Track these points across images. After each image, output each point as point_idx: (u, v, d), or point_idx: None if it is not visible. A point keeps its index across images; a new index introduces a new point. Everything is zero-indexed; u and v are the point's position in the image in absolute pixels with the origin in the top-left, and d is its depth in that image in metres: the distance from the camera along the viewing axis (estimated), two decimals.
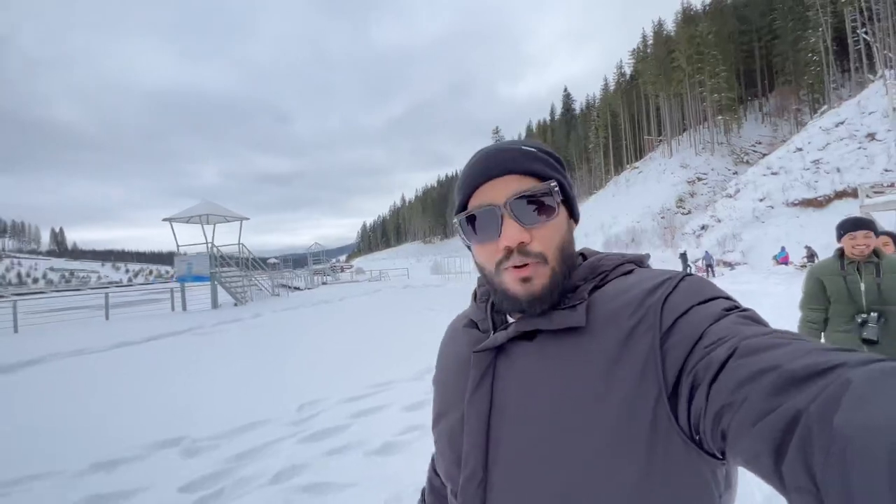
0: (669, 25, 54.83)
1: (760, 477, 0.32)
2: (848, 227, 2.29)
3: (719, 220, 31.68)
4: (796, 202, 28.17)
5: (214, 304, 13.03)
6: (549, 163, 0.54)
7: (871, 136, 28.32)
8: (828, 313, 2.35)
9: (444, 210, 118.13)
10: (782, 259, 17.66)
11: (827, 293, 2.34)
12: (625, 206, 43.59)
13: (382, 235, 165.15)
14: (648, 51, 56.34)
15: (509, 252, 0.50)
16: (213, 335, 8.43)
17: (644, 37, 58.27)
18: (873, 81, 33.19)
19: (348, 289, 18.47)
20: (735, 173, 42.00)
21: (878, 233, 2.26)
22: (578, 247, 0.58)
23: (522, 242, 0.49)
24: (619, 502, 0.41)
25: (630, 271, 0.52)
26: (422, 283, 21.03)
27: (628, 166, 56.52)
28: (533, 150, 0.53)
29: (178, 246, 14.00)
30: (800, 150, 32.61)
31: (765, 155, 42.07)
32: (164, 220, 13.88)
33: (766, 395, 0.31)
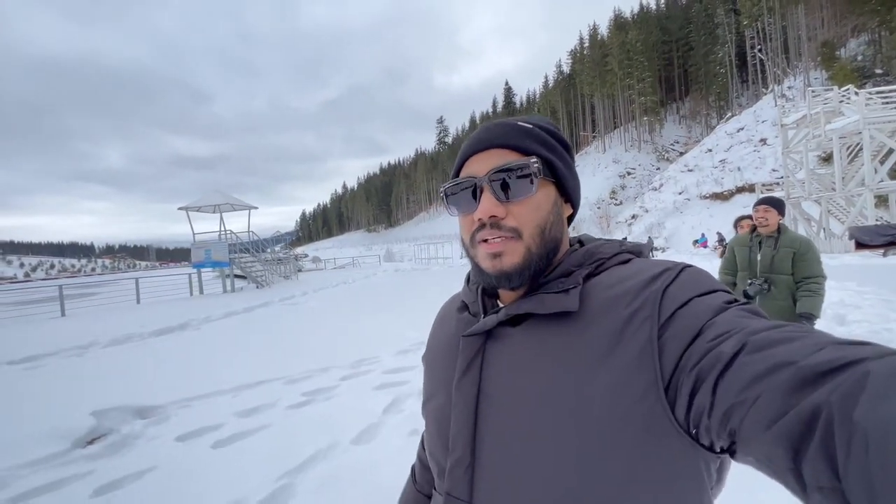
0: (603, 30, 59.63)
1: (774, 478, 0.31)
2: (756, 203, 2.72)
3: (647, 211, 36.02)
4: (707, 195, 33.06)
5: (233, 288, 13.88)
6: (544, 140, 0.53)
7: (764, 141, 34.10)
8: (736, 277, 2.80)
9: (388, 198, 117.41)
10: (702, 244, 21.15)
11: (737, 261, 2.80)
12: None
13: (324, 224, 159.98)
14: (585, 52, 60.77)
15: (483, 224, 0.50)
16: (297, 306, 9.73)
17: (581, 39, 62.72)
18: (766, 94, 39.78)
19: (338, 275, 19.14)
20: (658, 169, 47.58)
21: (781, 212, 2.64)
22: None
23: (494, 216, 0.49)
24: (606, 493, 0.40)
25: (628, 260, 0.51)
26: (410, 268, 22.22)
27: None
28: (529, 126, 0.53)
29: (193, 234, 14.44)
30: (710, 150, 38.11)
31: (682, 153, 48.27)
32: (180, 208, 14.34)
33: (782, 393, 0.30)
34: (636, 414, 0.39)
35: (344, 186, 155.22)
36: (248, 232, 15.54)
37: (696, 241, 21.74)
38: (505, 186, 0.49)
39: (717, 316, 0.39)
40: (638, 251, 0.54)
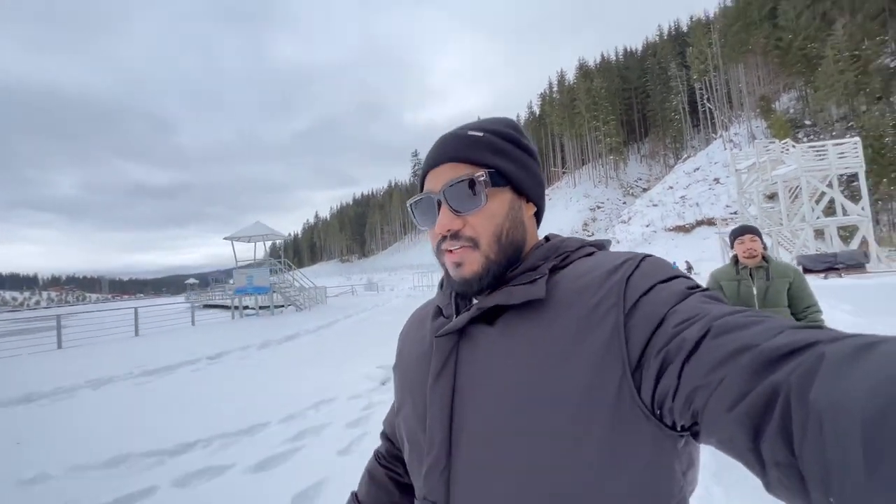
0: (570, 76, 65.10)
1: (733, 457, 0.32)
2: (738, 232, 2.50)
3: (618, 241, 38.63)
4: (671, 228, 36.24)
5: (272, 312, 14.87)
6: (495, 147, 0.53)
7: (717, 180, 38.08)
8: None
9: (361, 229, 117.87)
10: None
11: (725, 296, 2.47)
12: (540, 229, 50.10)
13: (295, 254, 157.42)
14: (554, 96, 65.82)
15: (443, 238, 0.52)
16: (366, 322, 10.28)
17: (550, 84, 68.06)
18: (716, 139, 44.71)
19: (362, 300, 20.25)
20: (624, 203, 51.44)
21: (762, 240, 2.48)
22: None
23: (450, 230, 0.51)
24: (582, 479, 0.41)
25: (591, 253, 0.53)
26: (422, 294, 23.40)
27: None
28: (479, 134, 0.53)
29: (236, 261, 15.70)
30: (671, 188, 41.95)
31: (645, 189, 52.62)
32: (225, 238, 15.67)
33: (744, 376, 0.31)
34: (607, 399, 0.40)
35: (316, 216, 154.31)
36: (283, 260, 16.59)
37: None
38: (459, 199, 0.51)
39: (680, 302, 0.41)
40: (600, 245, 0.56)
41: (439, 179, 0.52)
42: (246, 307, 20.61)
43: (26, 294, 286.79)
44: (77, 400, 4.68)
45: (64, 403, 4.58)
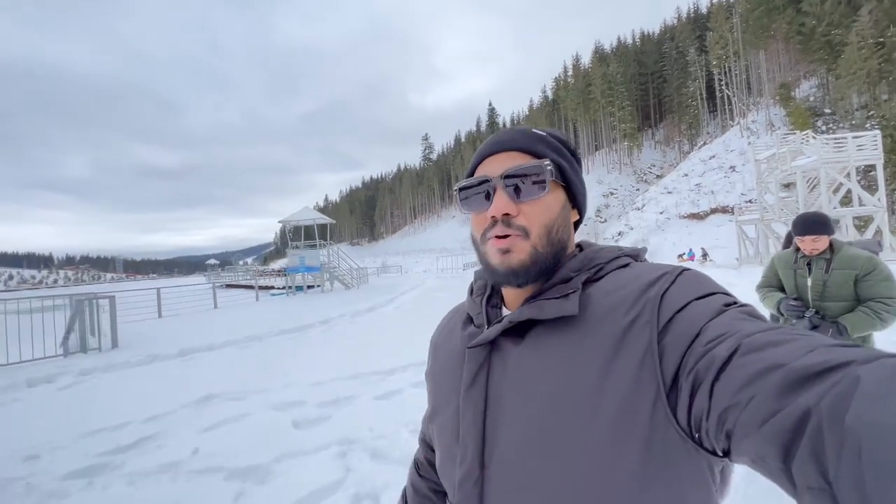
0: (585, 60, 64.56)
1: (767, 476, 0.32)
2: (797, 229, 2.20)
3: (632, 228, 39.45)
4: (685, 215, 36.85)
5: (332, 288, 16.77)
6: (555, 146, 0.55)
7: (733, 168, 38.39)
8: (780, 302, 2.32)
9: (371, 212, 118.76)
10: (690, 258, 24.32)
11: (783, 284, 2.37)
12: None
13: (306, 237, 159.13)
14: (569, 81, 65.45)
15: (495, 222, 0.51)
16: (420, 299, 11.39)
17: (565, 68, 67.50)
18: (733, 126, 44.73)
19: (402, 279, 22.16)
20: (638, 190, 51.83)
21: (830, 230, 2.15)
22: None
23: (507, 214, 0.50)
24: (617, 497, 0.40)
25: (626, 265, 0.52)
26: (450, 274, 25.31)
27: None
28: (542, 133, 0.55)
29: (290, 242, 17.28)
30: (686, 175, 42.30)
31: (658, 176, 52.86)
32: (280, 221, 17.19)
33: (773, 395, 0.30)
34: (641, 419, 0.40)
35: (326, 199, 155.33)
36: (328, 241, 18.01)
37: (681, 255, 24.88)
38: (518, 186, 0.51)
39: (714, 319, 0.40)
40: (635, 255, 0.56)
41: (498, 166, 0.53)
42: (272, 287, 22.20)
43: (44, 273, 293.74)
44: (268, 343, 6.39)
45: (262, 344, 6.38)
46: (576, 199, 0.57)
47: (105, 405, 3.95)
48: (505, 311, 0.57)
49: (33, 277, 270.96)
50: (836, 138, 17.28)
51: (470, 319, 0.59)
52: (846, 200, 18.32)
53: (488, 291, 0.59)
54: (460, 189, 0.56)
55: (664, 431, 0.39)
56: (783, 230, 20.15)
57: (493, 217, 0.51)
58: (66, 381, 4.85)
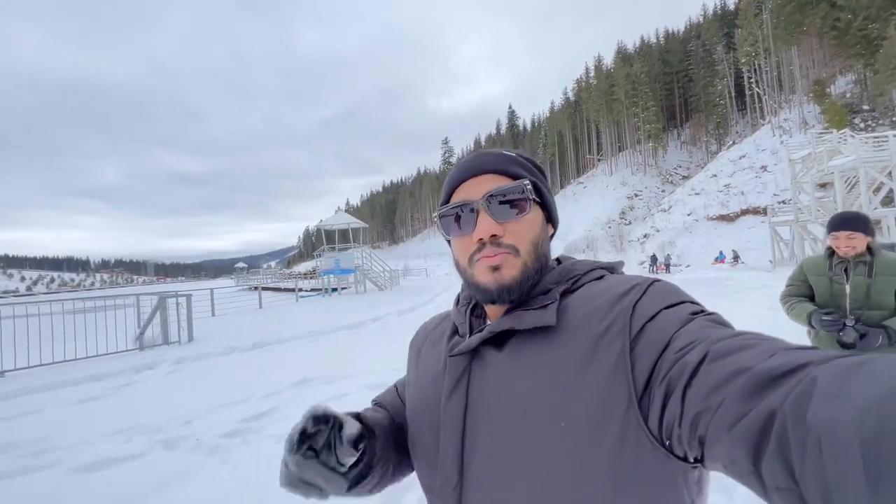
0: (608, 61, 64.05)
1: (738, 480, 0.32)
2: (834, 225, 2.04)
3: (658, 230, 38.92)
4: (714, 217, 36.13)
5: (365, 290, 17.53)
6: (527, 167, 0.57)
7: (764, 168, 37.44)
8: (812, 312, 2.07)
9: (392, 216, 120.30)
10: (721, 260, 24.09)
11: (813, 290, 2.18)
12: (576, 217, 50.36)
13: (327, 241, 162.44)
14: (591, 82, 65.02)
15: (482, 244, 0.52)
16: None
17: (587, 69, 67.11)
18: (764, 125, 43.57)
19: (424, 283, 22.72)
20: (663, 191, 50.92)
21: (869, 231, 1.98)
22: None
23: (494, 235, 0.51)
24: (591, 500, 0.41)
25: (601, 277, 0.54)
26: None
27: (573, 181, 64.74)
28: (512, 154, 0.58)
29: (326, 245, 18.51)
30: (714, 175, 41.44)
31: (685, 177, 51.78)
32: (317, 226, 18.51)
33: (740, 398, 0.31)
34: (613, 424, 0.41)
35: (347, 203, 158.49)
36: (360, 244, 19.16)
37: (716, 259, 24.66)
38: (501, 207, 0.52)
39: (684, 327, 0.41)
40: (611, 268, 0.57)
41: (477, 189, 0.55)
42: (300, 289, 23.11)
43: (82, 276, 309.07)
44: (332, 337, 7.07)
45: (327, 338, 7.05)
46: (550, 215, 0.60)
47: (215, 386, 4.57)
48: (488, 322, 0.58)
49: (72, 280, 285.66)
50: (875, 136, 16.90)
51: (454, 328, 0.61)
52: (887, 200, 17.84)
53: (473, 302, 0.61)
54: (441, 216, 0.57)
55: (636, 437, 0.40)
56: (820, 231, 19.73)
57: (480, 240, 0.52)
58: (168, 368, 5.52)
